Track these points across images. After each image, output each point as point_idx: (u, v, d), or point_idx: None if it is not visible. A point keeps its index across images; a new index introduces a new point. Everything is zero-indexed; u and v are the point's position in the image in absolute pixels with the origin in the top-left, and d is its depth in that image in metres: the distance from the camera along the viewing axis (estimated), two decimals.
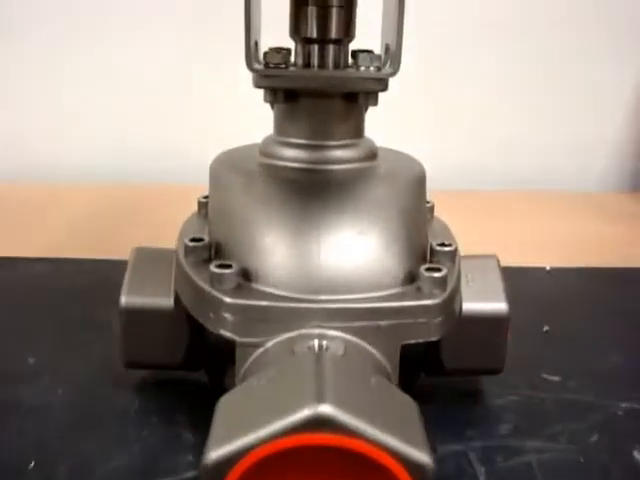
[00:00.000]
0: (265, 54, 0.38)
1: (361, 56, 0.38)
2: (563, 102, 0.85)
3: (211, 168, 0.41)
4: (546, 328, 0.52)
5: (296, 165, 0.39)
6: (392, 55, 0.38)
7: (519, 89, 0.84)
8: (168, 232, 0.43)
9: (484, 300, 0.39)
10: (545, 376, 0.46)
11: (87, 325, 0.51)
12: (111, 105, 0.83)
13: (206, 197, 0.44)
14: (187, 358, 0.40)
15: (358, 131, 0.40)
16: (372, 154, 0.40)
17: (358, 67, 0.38)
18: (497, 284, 0.40)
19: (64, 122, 0.84)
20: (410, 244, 0.36)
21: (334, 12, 0.38)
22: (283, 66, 0.38)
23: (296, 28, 0.39)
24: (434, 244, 0.38)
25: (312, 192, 0.37)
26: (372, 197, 0.37)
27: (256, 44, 0.40)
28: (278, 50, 0.39)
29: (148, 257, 0.42)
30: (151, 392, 0.43)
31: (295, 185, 0.38)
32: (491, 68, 0.83)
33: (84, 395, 0.43)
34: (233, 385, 0.32)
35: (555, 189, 0.84)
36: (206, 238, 0.38)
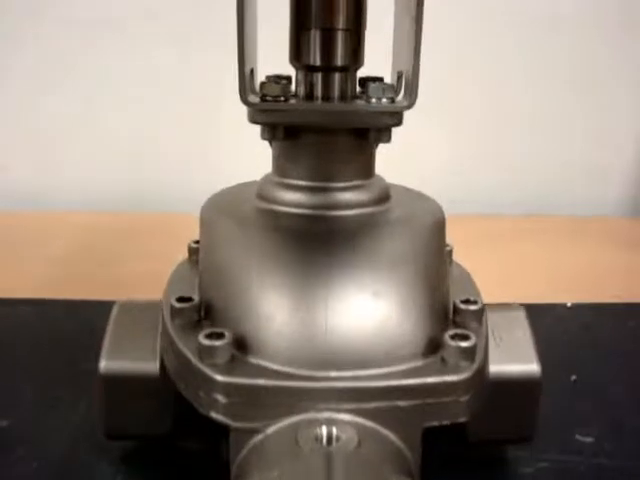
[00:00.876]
0: (262, 85, 0.32)
1: (371, 86, 0.32)
2: (579, 127, 0.80)
3: (202, 213, 0.36)
4: (574, 377, 0.47)
5: (298, 211, 0.34)
6: (407, 84, 0.32)
7: (535, 114, 0.79)
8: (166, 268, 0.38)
9: (513, 361, 0.34)
10: (578, 437, 0.41)
11: (70, 378, 0.45)
12: (106, 133, 0.78)
13: (197, 242, 0.38)
14: (176, 428, 0.35)
15: (368, 171, 0.35)
16: (384, 196, 0.35)
17: (368, 99, 0.32)
18: (527, 342, 0.35)
19: (48, 150, 0.79)
20: (432, 305, 0.31)
21: (340, 36, 0.33)
22: (282, 99, 0.32)
23: (297, 54, 0.34)
24: (457, 301, 0.33)
25: (317, 244, 0.32)
26: (387, 250, 0.32)
27: (252, 72, 0.35)
28: (277, 80, 0.34)
29: (133, 312, 0.37)
30: (137, 463, 0.38)
31: (297, 236, 0.32)
32: (507, 93, 0.78)
33: (61, 470, 0.37)
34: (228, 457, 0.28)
35: (569, 215, 0.79)
36: (195, 297, 0.32)
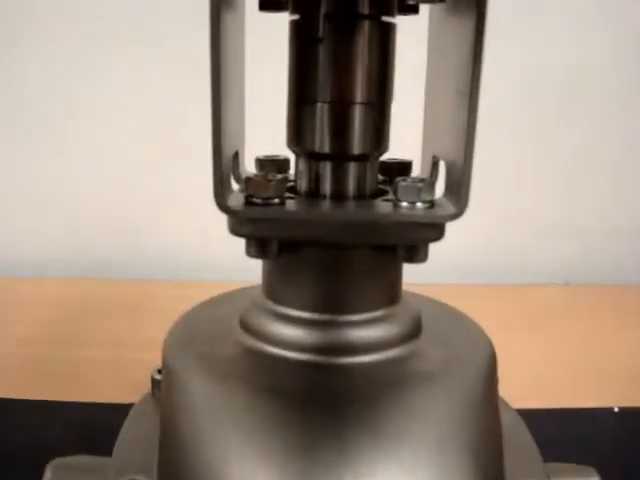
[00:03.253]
0: (247, 182, 0.22)
1: (402, 186, 0.22)
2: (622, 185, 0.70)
3: (165, 347, 0.25)
4: None
5: (297, 356, 0.23)
6: (452, 181, 0.22)
7: (558, 172, 0.69)
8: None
9: None
10: None
11: None
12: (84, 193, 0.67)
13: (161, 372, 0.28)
14: None
15: (393, 295, 0.25)
16: (415, 329, 0.25)
17: (397, 202, 0.22)
18: None
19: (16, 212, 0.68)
20: None
21: (357, 112, 0.23)
22: (277, 201, 0.22)
23: (297, 136, 0.24)
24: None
25: (321, 411, 0.21)
26: (421, 422, 0.21)
27: (236, 157, 0.25)
28: (271, 165, 0.24)
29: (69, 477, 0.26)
30: None
31: (294, 397, 0.22)
32: (529, 154, 0.68)
33: None
34: None
35: (613, 283, 0.68)
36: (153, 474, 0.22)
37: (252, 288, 0.26)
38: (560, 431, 0.44)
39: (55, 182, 0.66)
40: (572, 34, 0.64)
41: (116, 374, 0.46)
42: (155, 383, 0.28)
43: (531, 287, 0.66)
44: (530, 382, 0.45)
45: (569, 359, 0.54)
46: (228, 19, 0.22)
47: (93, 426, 0.40)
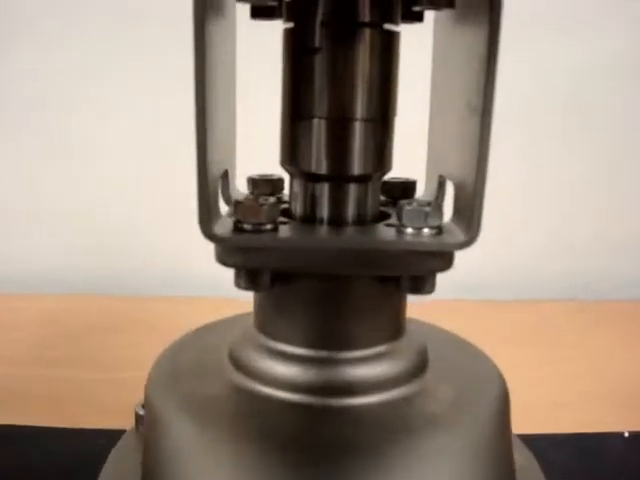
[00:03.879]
0: (237, 206, 0.20)
1: (407, 210, 0.20)
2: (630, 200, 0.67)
3: (148, 384, 0.23)
4: None
5: (289, 396, 0.21)
6: (462, 205, 0.20)
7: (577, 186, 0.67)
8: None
9: None
10: None
11: None
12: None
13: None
14: None
15: (397, 328, 0.22)
16: (420, 364, 0.22)
17: (401, 227, 0.20)
18: None
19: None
20: None
21: (357, 129, 0.21)
22: (269, 227, 0.20)
23: (291, 155, 0.22)
24: None
25: (316, 461, 0.19)
26: (428, 474, 0.19)
27: (226, 177, 0.22)
28: (264, 184, 0.21)
29: None
30: None
31: (285, 444, 0.19)
32: (534, 168, 0.65)
33: None
34: None
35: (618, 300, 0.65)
36: None
37: (245, 316, 0.24)
38: (567, 457, 0.41)
39: (48, 197, 0.64)
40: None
41: (111, 396, 0.44)
42: (139, 418, 0.26)
43: (535, 303, 0.64)
44: (535, 404, 0.43)
45: (576, 380, 0.52)
46: (215, 26, 0.20)
47: (79, 456, 0.38)
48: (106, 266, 0.64)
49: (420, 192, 0.25)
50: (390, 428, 0.20)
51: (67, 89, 0.61)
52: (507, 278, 0.65)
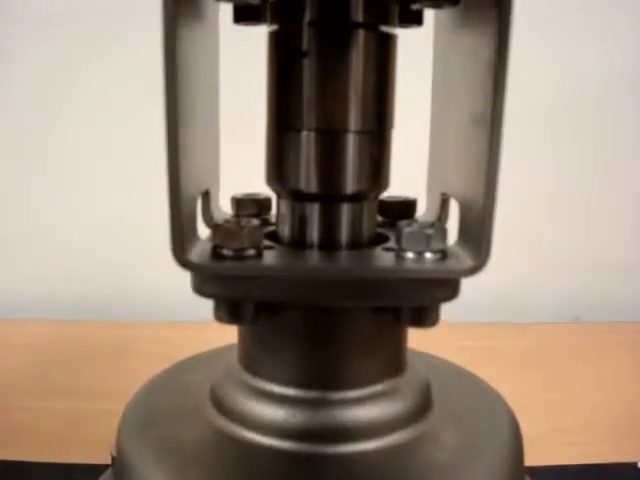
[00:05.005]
0: (215, 229, 0.17)
1: (406, 232, 0.17)
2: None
3: (120, 428, 0.20)
4: None
5: (277, 443, 0.18)
6: (468, 224, 0.18)
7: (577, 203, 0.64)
8: None
9: None
10: None
11: None
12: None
13: None
14: None
15: (397, 366, 0.20)
16: (424, 404, 0.20)
17: (401, 252, 0.17)
18: None
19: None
20: None
21: (351, 142, 0.18)
22: (252, 252, 0.17)
23: (278, 172, 0.19)
24: None
25: None
26: None
27: (206, 197, 0.20)
28: (243, 215, 0.19)
29: None
30: None
31: None
32: (542, 184, 0.63)
33: None
34: None
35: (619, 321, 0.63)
36: None
37: (231, 349, 0.22)
38: None
39: (31, 220, 0.62)
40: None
41: (99, 428, 0.41)
42: (115, 461, 0.23)
43: (537, 325, 0.61)
44: (541, 433, 0.40)
45: (584, 406, 0.49)
46: (192, 30, 0.17)
47: None
48: (95, 291, 0.62)
49: (420, 212, 0.22)
50: (390, 479, 0.17)
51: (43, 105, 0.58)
52: (504, 299, 0.63)
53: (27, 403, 0.45)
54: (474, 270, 0.17)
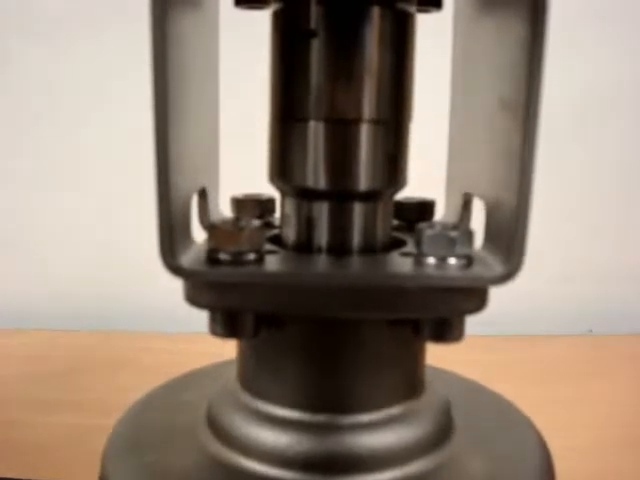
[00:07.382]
0: (211, 231, 0.15)
1: (428, 235, 0.15)
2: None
3: (105, 452, 0.18)
4: None
5: (280, 474, 0.16)
6: (495, 229, 0.15)
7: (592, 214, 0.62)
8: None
9: None
10: None
11: None
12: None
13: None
14: None
15: (415, 386, 0.17)
16: (445, 429, 0.17)
17: (421, 257, 0.15)
18: None
19: None
20: None
21: (364, 134, 0.16)
22: (252, 257, 0.15)
23: (282, 168, 0.17)
24: None
25: None
26: None
27: (203, 196, 0.18)
28: (243, 216, 0.17)
29: None
30: None
31: None
32: (551, 192, 0.61)
33: None
34: None
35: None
36: None
37: (230, 365, 0.19)
38: None
39: (25, 229, 0.60)
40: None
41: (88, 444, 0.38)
42: None
43: (548, 337, 0.58)
44: (554, 451, 0.38)
45: (598, 423, 0.46)
46: (186, 17, 0.15)
47: None
48: (95, 300, 0.59)
49: (439, 214, 0.20)
50: None
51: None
52: (516, 310, 0.60)
53: (20, 417, 0.43)
54: (505, 278, 0.15)
